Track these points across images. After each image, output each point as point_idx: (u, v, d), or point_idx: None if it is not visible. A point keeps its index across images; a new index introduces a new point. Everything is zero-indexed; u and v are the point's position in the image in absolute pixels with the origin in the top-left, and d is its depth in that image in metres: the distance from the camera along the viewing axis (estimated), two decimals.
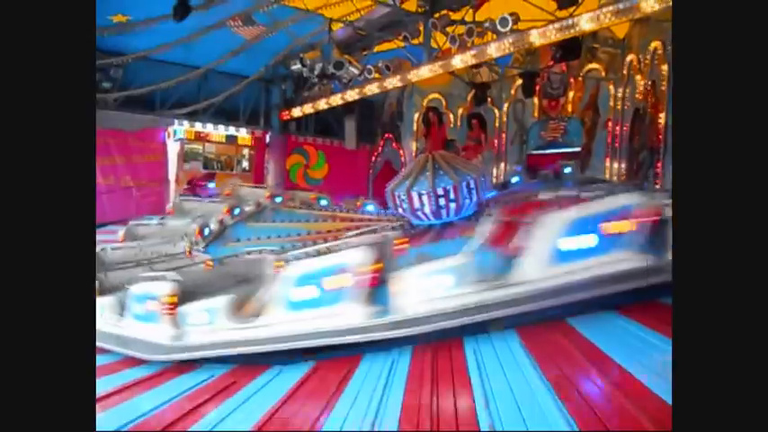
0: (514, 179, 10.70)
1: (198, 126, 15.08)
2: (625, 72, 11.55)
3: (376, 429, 3.24)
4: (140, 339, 5.66)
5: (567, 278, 4.14)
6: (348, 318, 4.52)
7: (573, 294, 4.12)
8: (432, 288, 4.42)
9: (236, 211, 9.18)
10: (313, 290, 4.71)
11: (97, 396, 4.78)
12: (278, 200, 9.99)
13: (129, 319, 5.97)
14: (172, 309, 5.43)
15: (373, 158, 17.63)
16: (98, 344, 6.22)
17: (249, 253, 6.82)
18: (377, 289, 4.60)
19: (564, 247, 4.24)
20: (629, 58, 11.42)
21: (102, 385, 5.14)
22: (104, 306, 6.33)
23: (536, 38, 8.27)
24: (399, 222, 7.89)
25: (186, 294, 5.54)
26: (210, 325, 5.20)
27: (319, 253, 5.15)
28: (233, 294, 5.31)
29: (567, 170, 9.16)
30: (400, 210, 8.00)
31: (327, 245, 5.33)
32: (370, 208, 10.17)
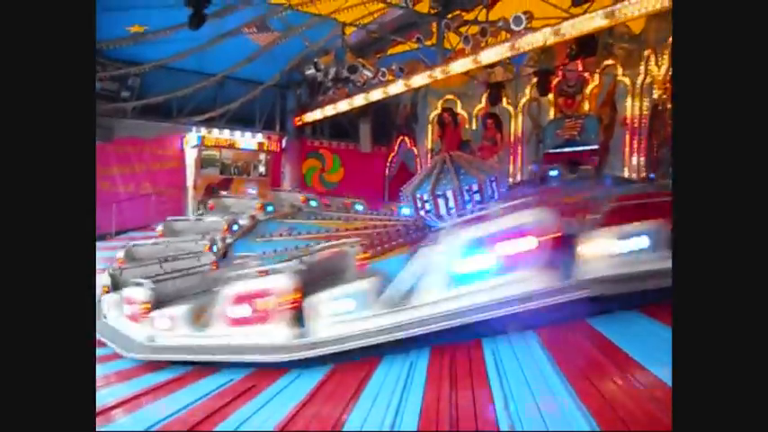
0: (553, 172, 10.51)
1: (215, 132, 15.26)
2: (642, 68, 11.39)
3: (395, 431, 3.23)
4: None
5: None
6: (532, 284, 4.12)
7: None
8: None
9: (270, 208, 9.21)
10: (484, 259, 4.28)
11: (121, 399, 4.87)
12: (313, 203, 9.97)
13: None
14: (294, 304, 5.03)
15: (389, 161, 17.64)
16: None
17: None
18: None
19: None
20: (647, 53, 11.26)
21: (126, 389, 5.23)
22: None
23: (550, 36, 8.21)
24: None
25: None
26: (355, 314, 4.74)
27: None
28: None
29: (554, 173, 8.98)
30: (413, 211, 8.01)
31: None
32: (406, 211, 10.15)
